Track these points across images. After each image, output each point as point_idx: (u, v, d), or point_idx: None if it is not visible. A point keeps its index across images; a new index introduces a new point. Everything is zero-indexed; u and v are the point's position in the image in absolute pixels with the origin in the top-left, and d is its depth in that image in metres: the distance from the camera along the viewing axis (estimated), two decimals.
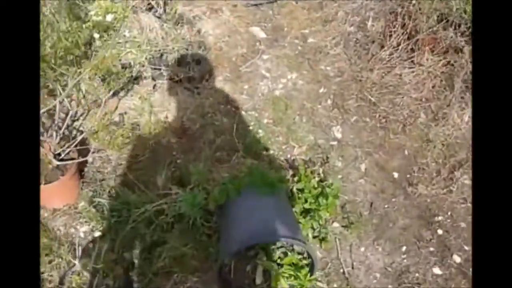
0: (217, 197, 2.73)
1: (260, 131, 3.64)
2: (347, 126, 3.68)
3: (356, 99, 3.84)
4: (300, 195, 2.91)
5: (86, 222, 3.17)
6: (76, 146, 3.18)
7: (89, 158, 3.30)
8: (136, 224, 2.97)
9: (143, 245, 2.94)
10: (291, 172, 3.10)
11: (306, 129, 3.68)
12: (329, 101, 3.85)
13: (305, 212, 2.91)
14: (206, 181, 2.99)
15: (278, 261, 2.61)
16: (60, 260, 2.95)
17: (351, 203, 3.21)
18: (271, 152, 3.48)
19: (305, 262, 2.59)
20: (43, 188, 3.02)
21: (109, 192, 3.15)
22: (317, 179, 3.07)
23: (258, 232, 2.43)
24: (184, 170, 3.37)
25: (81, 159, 3.10)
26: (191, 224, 2.87)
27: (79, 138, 3.17)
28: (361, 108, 3.79)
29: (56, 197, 3.23)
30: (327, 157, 3.46)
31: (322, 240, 2.95)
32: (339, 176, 3.35)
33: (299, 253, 2.68)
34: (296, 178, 2.99)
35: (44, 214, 3.24)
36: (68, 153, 3.19)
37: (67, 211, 3.25)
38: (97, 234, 3.13)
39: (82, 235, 3.14)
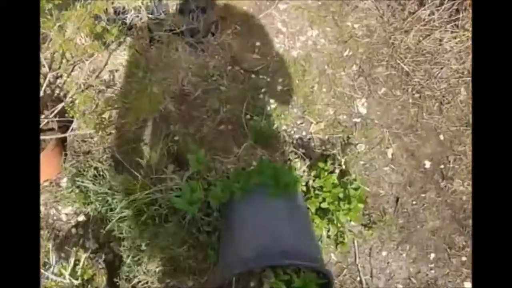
0: (220, 195, 2.30)
1: (272, 101, 3.12)
2: (374, 100, 3.15)
3: (386, 67, 3.27)
4: (317, 192, 2.47)
5: (69, 203, 2.77)
6: (55, 116, 2.70)
7: (69, 135, 2.83)
8: (124, 213, 2.57)
9: (131, 241, 2.55)
10: (307, 162, 2.63)
11: (325, 100, 3.15)
12: (354, 67, 3.28)
13: (321, 211, 2.49)
14: (208, 170, 2.54)
15: (287, 278, 2.22)
16: None
17: (374, 197, 2.79)
18: (283, 132, 2.99)
19: (319, 281, 2.21)
20: None
21: (94, 172, 2.71)
22: (337, 171, 2.61)
23: (268, 253, 2.02)
24: (182, 146, 2.91)
25: (60, 135, 2.64)
26: (188, 220, 2.46)
27: (59, 107, 2.68)
28: (391, 78, 3.23)
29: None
30: (348, 138, 2.98)
31: (338, 242, 2.56)
32: (361, 162, 2.89)
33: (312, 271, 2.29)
34: (313, 174, 2.54)
35: None
36: (47, 122, 2.72)
37: (48, 188, 2.85)
38: (81, 218, 2.74)
39: (64, 217, 2.76)
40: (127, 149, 2.91)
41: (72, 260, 2.27)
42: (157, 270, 2.48)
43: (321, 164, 2.55)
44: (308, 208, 2.47)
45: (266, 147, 2.74)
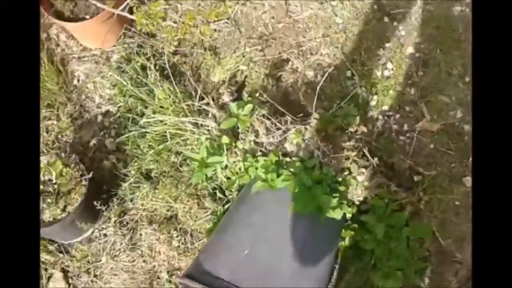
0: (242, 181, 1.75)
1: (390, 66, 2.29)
2: None
3: None
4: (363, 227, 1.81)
5: (110, 87, 2.40)
6: None
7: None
8: (146, 130, 2.16)
9: (139, 164, 2.17)
10: (376, 179, 1.90)
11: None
12: None
13: (358, 250, 1.86)
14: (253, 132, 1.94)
15: None
16: (59, 115, 2.34)
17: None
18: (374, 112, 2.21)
19: None
20: (78, 24, 2.28)
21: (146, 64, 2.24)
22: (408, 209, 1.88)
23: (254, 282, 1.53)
24: (252, 80, 2.30)
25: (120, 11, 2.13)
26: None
27: None
28: None
29: (90, 35, 2.43)
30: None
31: None
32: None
33: None
34: (371, 199, 1.83)
35: (72, 47, 2.52)
36: None
37: (97, 58, 2.48)
38: (113, 109, 2.38)
39: (97, 99, 2.42)
40: (190, 52, 2.38)
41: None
42: (151, 209, 2.12)
43: (383, 194, 1.82)
44: (342, 239, 1.84)
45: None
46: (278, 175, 1.69)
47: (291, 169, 1.73)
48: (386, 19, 2.38)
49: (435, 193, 2.03)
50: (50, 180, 1.91)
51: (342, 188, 1.74)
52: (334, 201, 1.63)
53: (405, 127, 2.23)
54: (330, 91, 2.23)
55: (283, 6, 2.39)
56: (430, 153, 2.19)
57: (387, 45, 2.35)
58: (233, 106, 1.86)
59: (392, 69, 2.31)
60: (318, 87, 1.93)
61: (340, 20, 2.37)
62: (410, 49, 2.34)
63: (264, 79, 2.31)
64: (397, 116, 2.24)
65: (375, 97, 2.25)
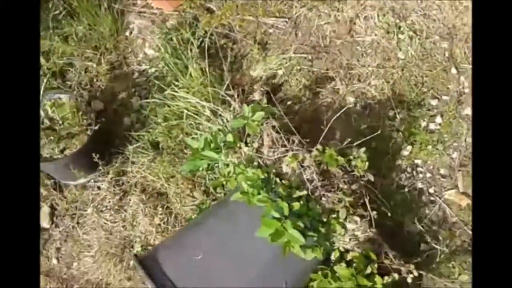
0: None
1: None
2: None
3: None
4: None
5: (156, 48, 2.40)
6: None
7: None
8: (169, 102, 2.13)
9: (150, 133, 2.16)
10: (371, 234, 1.72)
11: None
12: None
13: None
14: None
15: None
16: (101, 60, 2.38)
17: None
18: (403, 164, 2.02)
19: None
20: None
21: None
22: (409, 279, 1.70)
23: None
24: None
25: None
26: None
27: None
28: None
29: None
30: None
31: None
32: None
33: None
34: (352, 254, 1.67)
35: (137, 0, 2.54)
36: None
37: (154, 17, 2.50)
38: (152, 70, 2.37)
39: (141, 55, 2.43)
40: (240, 39, 2.30)
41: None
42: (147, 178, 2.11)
43: (369, 252, 1.65)
44: (312, 280, 1.70)
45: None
46: (259, 193, 1.59)
47: (276, 192, 1.62)
48: (453, 70, 2.15)
49: (433, 272, 1.83)
50: (57, 119, 1.94)
51: (323, 230, 1.60)
52: (304, 241, 1.50)
53: (431, 190, 2.01)
54: (360, 125, 2.07)
55: (348, 23, 2.23)
56: (449, 227, 1.97)
57: (444, 98, 2.12)
58: (246, 108, 1.77)
59: (440, 124, 2.09)
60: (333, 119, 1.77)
61: (403, 56, 2.17)
62: (467, 110, 2.09)
63: (301, 90, 2.19)
64: (428, 175, 2.03)
65: (409, 147, 2.05)
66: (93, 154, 2.00)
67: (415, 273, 1.72)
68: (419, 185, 2.02)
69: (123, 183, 2.17)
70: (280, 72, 2.21)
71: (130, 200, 2.14)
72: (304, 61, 2.23)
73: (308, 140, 1.77)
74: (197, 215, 1.94)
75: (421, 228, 1.94)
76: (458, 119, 2.09)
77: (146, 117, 2.23)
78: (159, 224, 2.07)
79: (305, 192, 1.62)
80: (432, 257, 1.87)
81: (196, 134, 2.03)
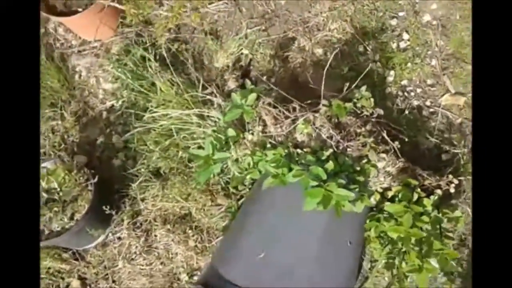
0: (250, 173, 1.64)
1: (406, 37, 2.11)
2: None
3: None
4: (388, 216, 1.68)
5: (112, 80, 2.30)
6: None
7: None
8: (152, 126, 2.05)
9: (147, 161, 2.08)
10: (399, 163, 1.74)
11: None
12: None
13: (387, 239, 1.74)
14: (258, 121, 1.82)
15: None
16: (64, 115, 2.25)
17: None
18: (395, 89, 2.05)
19: None
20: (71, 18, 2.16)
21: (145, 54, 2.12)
22: (438, 193, 1.74)
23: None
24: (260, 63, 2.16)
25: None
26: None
27: None
28: None
29: (85, 28, 2.31)
30: None
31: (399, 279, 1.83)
32: None
33: None
34: (395, 188, 1.69)
35: (71, 41, 2.41)
36: None
37: (96, 51, 2.37)
38: (118, 104, 2.27)
39: (100, 94, 2.32)
40: (190, 37, 2.24)
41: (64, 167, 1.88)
42: (163, 208, 2.04)
43: (408, 180, 1.69)
44: (367, 230, 1.72)
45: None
46: (289, 170, 1.57)
47: (303, 162, 1.61)
48: None
49: (466, 174, 1.88)
50: (54, 188, 1.83)
51: (361, 178, 1.61)
52: (353, 194, 1.50)
53: (428, 102, 2.06)
54: (341, 70, 2.07)
55: None
56: (458, 129, 2.03)
57: (400, 14, 2.16)
58: (235, 97, 1.73)
59: (409, 40, 2.13)
60: (325, 68, 1.76)
61: None
62: (426, 17, 2.14)
63: (270, 61, 2.16)
64: (418, 91, 2.07)
65: (392, 72, 2.08)
66: (104, 207, 1.91)
67: (455, 181, 1.76)
68: (415, 102, 2.06)
69: (141, 224, 2.09)
70: (244, 52, 2.17)
71: (156, 236, 2.06)
72: (260, 33, 2.19)
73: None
74: (232, 219, 1.90)
75: (435, 140, 1.99)
76: (422, 28, 2.14)
77: (135, 150, 2.14)
78: (195, 246, 2.01)
79: (330, 150, 1.61)
80: (458, 162, 1.93)
81: (194, 144, 1.97)
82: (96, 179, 1.89)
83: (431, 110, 2.05)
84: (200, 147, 1.96)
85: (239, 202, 1.94)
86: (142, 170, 2.10)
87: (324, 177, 1.53)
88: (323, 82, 1.70)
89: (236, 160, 1.86)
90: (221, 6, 2.25)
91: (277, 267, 1.54)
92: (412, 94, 2.07)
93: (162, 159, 2.06)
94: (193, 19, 2.10)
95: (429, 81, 2.08)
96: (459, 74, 2.05)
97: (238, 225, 1.69)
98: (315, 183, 1.52)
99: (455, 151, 1.95)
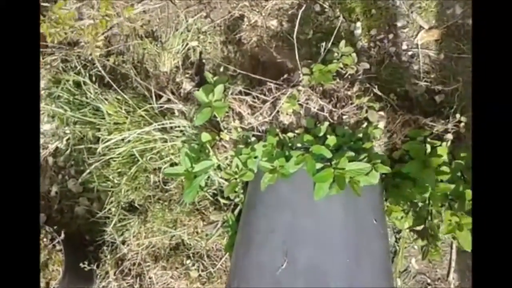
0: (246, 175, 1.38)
1: None
2: None
3: None
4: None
5: (49, 120, 1.96)
6: None
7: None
8: (110, 156, 1.75)
9: (116, 197, 1.77)
10: (398, 117, 1.52)
11: None
12: None
13: (404, 198, 1.52)
14: (233, 113, 1.55)
15: None
16: None
17: None
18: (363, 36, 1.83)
19: None
20: None
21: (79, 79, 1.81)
22: (449, 138, 1.53)
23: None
24: (212, 53, 1.89)
25: None
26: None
27: None
28: None
29: None
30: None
31: (427, 248, 1.62)
32: None
33: None
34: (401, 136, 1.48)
35: None
36: None
37: None
38: (62, 144, 1.94)
39: (40, 139, 1.98)
40: (125, 47, 1.94)
41: None
42: (150, 245, 1.74)
43: (414, 132, 1.47)
44: (385, 201, 1.50)
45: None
46: (287, 159, 1.31)
47: (299, 146, 1.36)
48: None
49: (467, 110, 1.69)
50: None
51: (368, 145, 1.38)
52: (368, 165, 1.27)
53: (404, 45, 1.86)
54: (306, 35, 1.84)
55: None
56: (443, 65, 1.84)
57: None
58: (199, 94, 1.46)
59: None
60: (295, 34, 1.51)
61: None
62: None
63: (222, 49, 1.90)
64: (390, 36, 1.87)
65: (358, 23, 1.87)
66: (81, 264, 1.60)
67: (463, 119, 1.57)
68: (392, 49, 1.86)
69: (130, 269, 1.78)
70: (190, 46, 1.89)
71: (151, 278, 1.76)
72: (202, 21, 1.93)
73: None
74: (233, 234, 1.63)
75: (425, 83, 1.79)
76: None
77: (97, 190, 1.83)
78: (199, 275, 1.73)
79: (326, 123, 1.37)
80: (454, 99, 1.74)
81: (165, 162, 1.69)
82: (62, 236, 1.57)
83: (410, 53, 1.85)
84: (173, 164, 1.67)
85: (235, 212, 1.67)
86: (113, 209, 1.79)
87: (329, 155, 1.29)
88: (296, 51, 1.45)
89: (218, 166, 1.60)
90: (150, 3, 1.96)
91: (305, 273, 1.28)
92: (385, 41, 1.86)
93: (132, 191, 1.75)
94: (128, 16, 1.79)
95: (398, 24, 1.88)
96: (428, 7, 1.86)
97: (245, 239, 1.42)
98: (320, 165, 1.28)
99: (447, 88, 1.76)
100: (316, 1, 1.88)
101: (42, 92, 1.93)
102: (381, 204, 1.45)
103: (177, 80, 1.86)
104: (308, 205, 1.31)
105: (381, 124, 1.47)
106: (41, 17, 1.65)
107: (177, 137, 1.65)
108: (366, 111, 1.40)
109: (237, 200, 1.64)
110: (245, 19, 1.91)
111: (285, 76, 1.49)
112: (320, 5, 1.89)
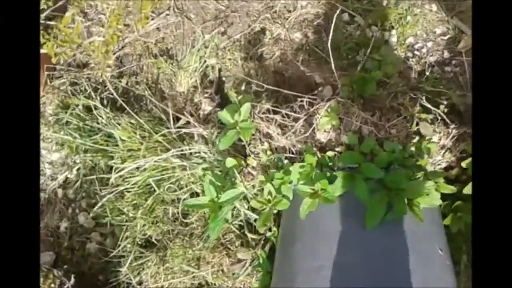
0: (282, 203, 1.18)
1: None
2: None
3: None
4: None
5: (57, 148, 1.80)
6: None
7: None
8: (124, 187, 1.57)
9: (132, 233, 1.58)
10: (452, 130, 1.33)
11: None
12: None
13: None
14: (260, 135, 1.37)
15: None
16: None
17: None
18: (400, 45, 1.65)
19: None
20: None
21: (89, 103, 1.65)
22: None
23: None
24: (233, 69, 1.73)
25: None
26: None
27: None
28: None
29: None
30: None
31: None
32: None
33: None
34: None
35: None
36: None
37: None
38: (72, 174, 1.78)
39: (48, 170, 1.82)
40: (138, 67, 1.79)
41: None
42: (170, 286, 1.53)
43: None
44: (447, 227, 1.28)
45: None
46: (330, 181, 1.12)
47: (341, 165, 1.17)
48: None
49: None
50: None
51: (423, 162, 1.18)
52: (431, 183, 1.07)
53: (446, 54, 1.67)
54: (335, 48, 1.67)
55: None
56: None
57: None
58: (223, 115, 1.29)
59: None
60: (329, 44, 1.33)
61: None
62: None
63: (243, 65, 1.73)
64: (429, 44, 1.69)
65: (393, 31, 1.69)
66: None
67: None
68: (431, 59, 1.67)
69: None
70: (209, 64, 1.73)
71: None
72: (220, 37, 1.77)
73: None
74: (265, 274, 1.42)
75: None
76: None
77: (111, 224, 1.64)
78: None
79: (371, 139, 1.18)
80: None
81: (184, 193, 1.50)
82: (72, 281, 1.38)
83: (453, 62, 1.66)
84: (193, 194, 1.49)
85: (266, 248, 1.46)
86: (128, 246, 1.60)
87: (381, 175, 1.09)
88: (331, 60, 1.27)
89: (244, 197, 1.41)
90: (162, 20, 1.82)
91: None
92: (424, 50, 1.68)
93: (149, 225, 1.56)
94: (142, 27, 1.64)
95: (437, 30, 1.70)
96: (468, 11, 1.69)
97: (284, 280, 1.21)
98: (367, 188, 1.09)
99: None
100: (345, 10, 1.72)
101: (50, 118, 1.78)
102: (442, 230, 1.24)
103: (196, 100, 1.70)
104: (358, 235, 1.11)
105: (435, 138, 1.27)
106: (46, 36, 1.51)
107: (198, 164, 1.47)
108: (417, 124, 1.21)
109: (268, 234, 1.43)
110: (267, 33, 1.75)
111: (317, 90, 1.31)
112: (350, 14, 1.72)
